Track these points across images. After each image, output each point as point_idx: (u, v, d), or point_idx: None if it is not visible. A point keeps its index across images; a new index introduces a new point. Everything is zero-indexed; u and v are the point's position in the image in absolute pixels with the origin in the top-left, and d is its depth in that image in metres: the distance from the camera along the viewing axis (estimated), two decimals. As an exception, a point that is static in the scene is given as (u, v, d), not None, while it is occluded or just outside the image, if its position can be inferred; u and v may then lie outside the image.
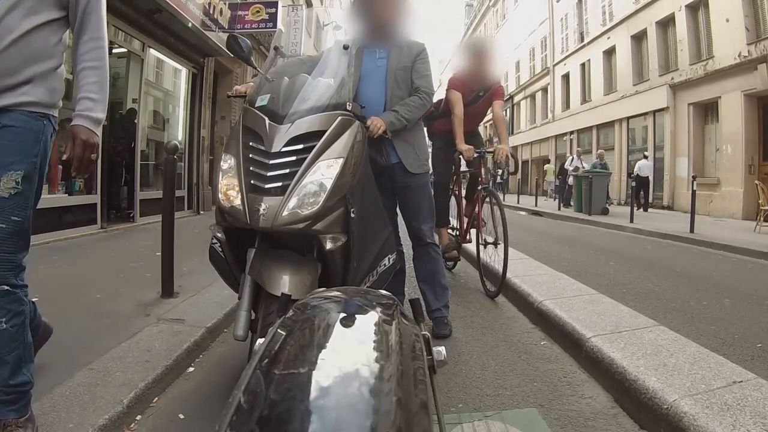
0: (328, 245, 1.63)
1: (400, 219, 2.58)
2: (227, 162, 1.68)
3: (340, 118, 1.74)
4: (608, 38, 16.20)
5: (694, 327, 2.69)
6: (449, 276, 3.68)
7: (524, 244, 5.58)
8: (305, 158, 1.62)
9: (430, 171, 2.99)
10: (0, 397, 1.30)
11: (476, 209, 3.45)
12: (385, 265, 2.02)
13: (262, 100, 1.75)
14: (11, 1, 1.25)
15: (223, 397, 0.89)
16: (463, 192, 3.82)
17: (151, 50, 6.89)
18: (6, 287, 1.28)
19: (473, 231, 3.75)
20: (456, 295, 3.30)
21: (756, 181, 8.32)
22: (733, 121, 10.40)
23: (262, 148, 1.65)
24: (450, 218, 3.83)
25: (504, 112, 3.73)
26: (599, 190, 10.57)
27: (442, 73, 60.86)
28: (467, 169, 3.65)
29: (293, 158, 1.63)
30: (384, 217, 2.13)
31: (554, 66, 20.85)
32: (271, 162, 1.62)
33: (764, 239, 6.41)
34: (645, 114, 13.96)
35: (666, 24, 13.30)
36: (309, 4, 15.06)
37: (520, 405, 1.80)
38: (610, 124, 16.05)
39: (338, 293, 0.87)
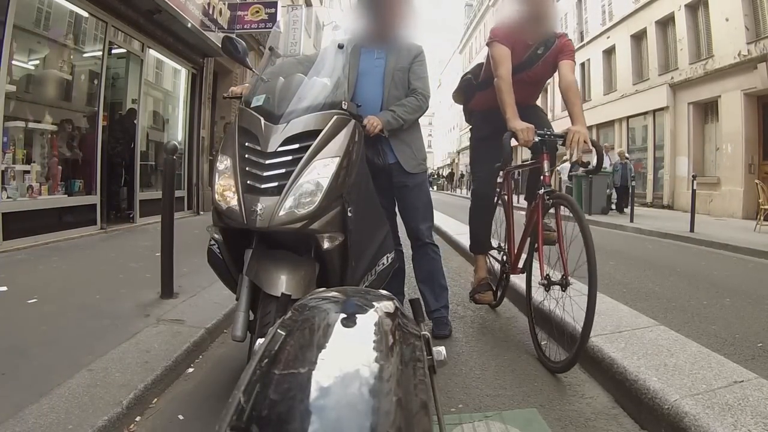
0: (326, 245, 1.62)
1: (399, 219, 2.58)
2: (223, 163, 1.68)
3: (335, 117, 1.74)
4: (608, 38, 16.21)
5: (695, 327, 2.68)
6: (449, 277, 3.58)
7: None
8: (301, 158, 1.62)
9: (429, 171, 2.93)
10: None
11: (536, 223, 2.23)
12: (383, 264, 2.02)
13: (258, 101, 1.75)
14: None
15: (223, 397, 0.89)
16: (517, 197, 3.06)
17: (151, 50, 6.89)
18: None
19: (526, 256, 2.52)
20: (456, 295, 3.30)
21: (756, 180, 8.33)
22: (733, 121, 10.40)
23: (258, 148, 1.64)
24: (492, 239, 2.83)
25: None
26: (599, 189, 10.55)
27: (441, 73, 61.02)
28: (526, 162, 2.57)
29: (289, 158, 1.62)
30: (381, 215, 2.13)
31: (554, 65, 20.83)
32: (267, 162, 1.62)
33: (764, 238, 6.40)
34: (645, 113, 13.96)
35: (666, 23, 13.30)
36: (308, 4, 15.06)
37: (521, 405, 1.79)
38: (609, 124, 16.05)
39: (338, 293, 0.87)
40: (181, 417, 1.70)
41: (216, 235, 1.69)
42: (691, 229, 7.08)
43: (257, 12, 8.40)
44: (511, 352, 2.33)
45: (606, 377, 1.92)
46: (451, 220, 7.88)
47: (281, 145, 1.63)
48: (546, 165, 2.20)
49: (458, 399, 1.83)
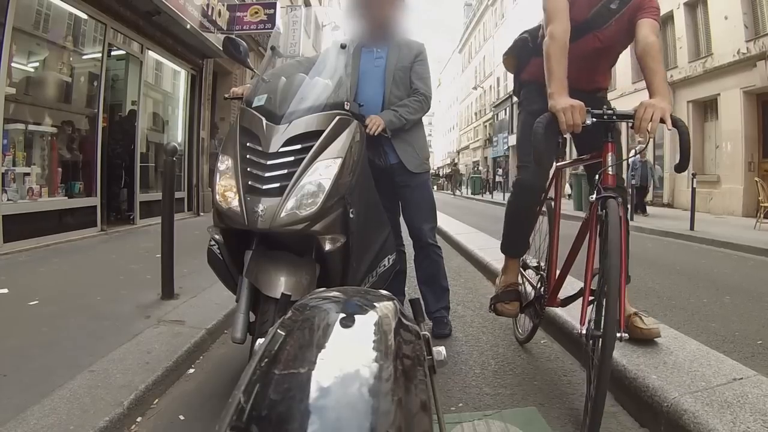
0: (328, 246, 1.61)
1: (401, 219, 2.58)
2: (224, 163, 1.67)
3: (338, 117, 1.73)
4: (607, 36, 16.18)
5: (695, 324, 2.69)
6: (450, 277, 3.55)
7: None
8: (303, 158, 1.61)
9: (431, 170, 2.74)
10: None
11: (590, 238, 1.67)
12: (384, 265, 2.01)
13: (259, 100, 1.74)
14: None
15: (224, 397, 0.88)
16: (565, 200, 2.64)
17: (150, 52, 6.89)
18: None
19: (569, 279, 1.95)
20: (456, 294, 3.30)
21: (756, 178, 8.33)
22: (733, 119, 10.40)
23: (260, 148, 1.64)
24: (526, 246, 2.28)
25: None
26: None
27: (441, 72, 60.99)
28: (582, 158, 1.90)
29: (291, 158, 1.62)
30: (383, 217, 2.12)
31: (553, 65, 20.79)
32: (269, 162, 1.61)
33: (764, 236, 6.41)
34: (644, 112, 13.92)
35: (664, 22, 13.26)
36: (307, 3, 15.06)
37: (521, 404, 1.80)
38: (609, 123, 16.03)
39: (338, 293, 0.87)
40: (182, 417, 1.70)
41: (216, 236, 1.68)
42: (691, 228, 7.08)
43: (256, 13, 8.40)
44: (510, 351, 2.34)
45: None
46: (451, 220, 7.89)
47: (283, 146, 1.62)
48: (610, 159, 1.59)
49: (458, 398, 1.83)
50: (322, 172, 1.61)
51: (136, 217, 6.44)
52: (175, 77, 8.19)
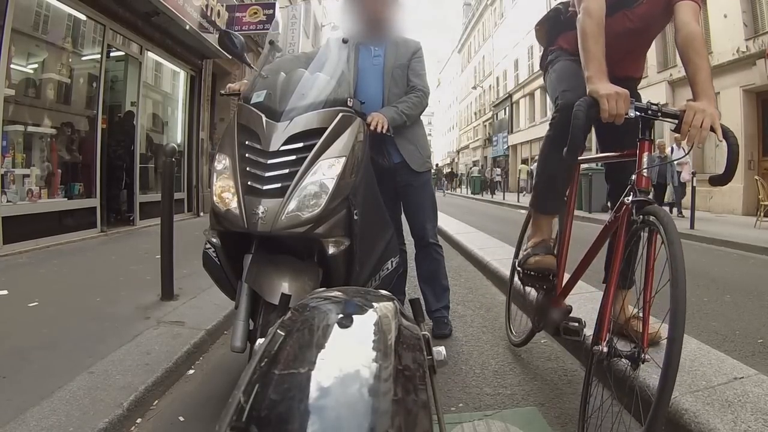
0: (331, 250, 1.54)
1: (403, 217, 2.57)
2: (222, 162, 1.60)
3: (341, 115, 1.66)
4: (606, 36, 16.19)
5: (695, 323, 2.68)
6: (450, 277, 3.50)
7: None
8: (305, 157, 1.54)
9: (433, 168, 2.71)
10: None
11: (618, 243, 1.47)
12: (388, 268, 1.95)
13: (258, 97, 1.67)
14: None
15: (223, 398, 0.88)
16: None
17: (149, 53, 6.89)
18: None
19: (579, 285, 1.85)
20: (456, 294, 3.30)
21: (756, 177, 8.34)
22: (732, 117, 10.39)
23: (259, 147, 1.57)
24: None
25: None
26: (600, 187, 10.55)
27: (440, 72, 61.00)
28: (609, 155, 1.78)
29: (292, 157, 1.55)
30: (386, 218, 2.08)
31: (553, 64, 20.81)
32: (269, 162, 1.54)
33: (765, 234, 6.40)
34: (644, 111, 13.93)
35: (664, 21, 13.28)
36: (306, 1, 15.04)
37: (521, 404, 1.79)
38: (609, 122, 16.03)
39: (338, 293, 0.87)
40: (181, 418, 1.70)
41: (213, 239, 1.60)
42: (692, 226, 7.08)
43: (255, 13, 8.41)
44: (510, 351, 2.34)
45: (605, 375, 1.91)
46: (451, 220, 7.89)
47: (284, 144, 1.55)
48: (645, 159, 1.45)
49: (458, 398, 1.83)
50: (325, 171, 1.54)
51: (136, 218, 6.44)
52: (175, 78, 8.19)
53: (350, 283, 1.64)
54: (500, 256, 4.09)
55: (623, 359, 1.42)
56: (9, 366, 1.85)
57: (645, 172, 1.45)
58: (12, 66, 4.40)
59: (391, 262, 1.98)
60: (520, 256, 1.98)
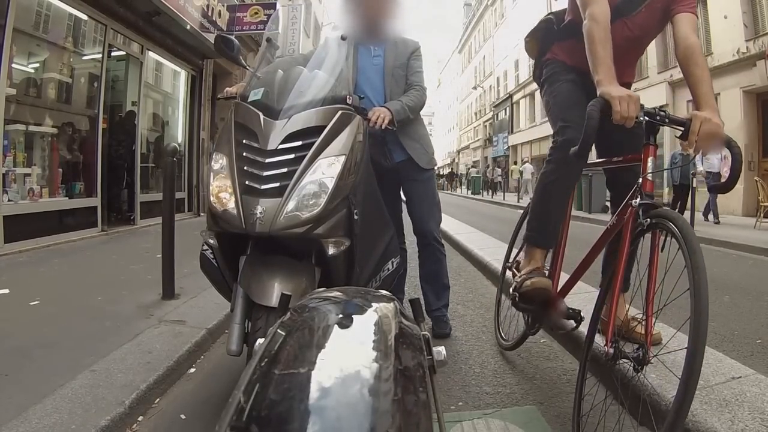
0: (331, 250, 1.51)
1: (405, 216, 2.57)
2: (219, 162, 1.56)
3: (340, 112, 1.63)
4: (607, 36, 16.18)
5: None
6: (450, 277, 3.47)
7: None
8: (304, 156, 1.51)
9: (436, 165, 2.65)
10: None
11: (623, 246, 1.46)
12: (388, 269, 1.93)
13: (256, 94, 1.64)
14: None
15: (224, 397, 0.89)
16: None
17: (150, 53, 6.90)
18: None
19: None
20: (456, 294, 3.31)
21: (756, 178, 8.34)
22: (733, 118, 10.39)
23: (257, 145, 1.53)
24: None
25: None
26: (600, 187, 10.55)
27: (441, 72, 60.97)
28: (615, 160, 1.73)
29: (291, 156, 1.51)
30: (387, 217, 2.06)
31: (553, 64, 20.80)
32: (267, 161, 1.50)
33: (764, 235, 6.41)
34: (644, 111, 13.92)
35: (664, 21, 13.28)
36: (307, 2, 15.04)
37: (520, 403, 1.80)
38: (609, 122, 16.02)
39: (338, 293, 0.87)
40: (183, 417, 1.71)
41: (210, 240, 1.57)
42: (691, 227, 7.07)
43: (256, 13, 8.41)
44: (510, 351, 2.34)
45: (604, 374, 1.92)
46: (451, 220, 7.89)
47: (282, 143, 1.51)
48: (650, 164, 1.46)
49: (458, 397, 1.84)
50: (325, 170, 1.51)
51: (137, 217, 6.45)
52: (175, 78, 8.19)
53: (350, 284, 1.61)
54: (500, 256, 4.07)
55: (625, 360, 1.40)
56: (11, 364, 1.86)
57: (650, 177, 1.46)
58: (13, 65, 4.41)
59: (392, 262, 1.96)
60: (515, 283, 1.94)
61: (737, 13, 10.17)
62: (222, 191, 1.52)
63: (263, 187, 1.49)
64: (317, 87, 1.67)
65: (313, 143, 1.54)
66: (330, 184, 1.50)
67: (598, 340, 2.04)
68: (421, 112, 2.43)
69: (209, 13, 7.43)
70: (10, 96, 4.40)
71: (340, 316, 0.72)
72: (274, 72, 1.73)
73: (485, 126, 34.20)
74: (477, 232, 6.22)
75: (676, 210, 7.50)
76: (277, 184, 1.49)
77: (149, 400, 1.76)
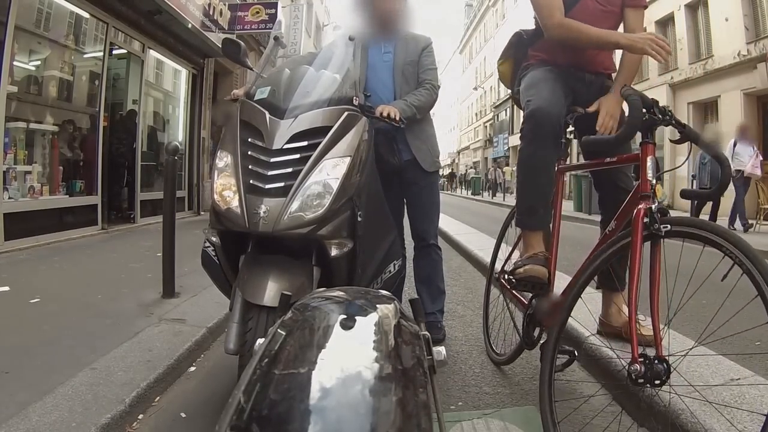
0: (334, 252, 1.50)
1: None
2: (223, 160, 1.56)
3: (346, 113, 1.62)
4: (608, 37, 16.20)
5: (693, 325, 2.69)
6: (450, 277, 3.47)
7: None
8: (309, 156, 1.51)
9: (440, 169, 2.63)
10: None
11: (634, 250, 1.37)
12: (390, 271, 1.92)
13: (262, 93, 1.63)
14: None
15: (224, 396, 0.89)
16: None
17: (151, 51, 6.90)
18: None
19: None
20: (456, 294, 3.31)
21: (756, 180, 8.32)
22: (733, 120, 10.38)
23: (262, 144, 1.53)
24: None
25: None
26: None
27: (441, 73, 60.96)
28: (609, 161, 1.66)
29: (296, 156, 1.51)
30: (390, 220, 2.05)
31: (554, 65, 20.82)
32: (272, 160, 1.50)
33: (764, 238, 6.41)
34: (645, 113, 13.94)
35: (665, 23, 13.28)
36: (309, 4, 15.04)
37: (519, 403, 1.81)
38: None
39: (339, 293, 0.88)
40: (183, 415, 1.71)
41: (213, 238, 1.56)
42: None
43: (257, 12, 8.41)
44: (510, 351, 2.35)
45: (604, 375, 1.93)
46: (451, 220, 7.89)
47: (288, 142, 1.51)
48: (649, 163, 1.40)
49: (457, 397, 1.84)
50: (330, 171, 1.50)
51: (137, 215, 6.45)
52: (176, 76, 8.19)
53: (352, 285, 1.61)
54: (500, 257, 4.09)
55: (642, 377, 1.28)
56: (11, 362, 1.86)
57: (651, 177, 1.41)
58: (15, 63, 4.41)
59: (394, 264, 1.95)
60: (510, 266, 1.89)
61: (738, 16, 10.18)
62: (226, 189, 1.51)
63: (267, 186, 1.49)
64: (324, 87, 1.66)
65: (318, 143, 1.53)
66: (335, 185, 1.50)
67: (599, 341, 2.05)
68: None
69: (211, 12, 7.43)
70: (12, 93, 4.41)
71: (341, 316, 0.72)
72: (281, 71, 1.73)
73: (485, 127, 34.19)
74: (477, 233, 6.22)
75: (710, 217, 7.08)
76: (282, 184, 1.49)
77: (149, 399, 1.76)
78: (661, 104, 1.50)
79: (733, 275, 1.27)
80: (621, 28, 1.85)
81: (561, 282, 1.74)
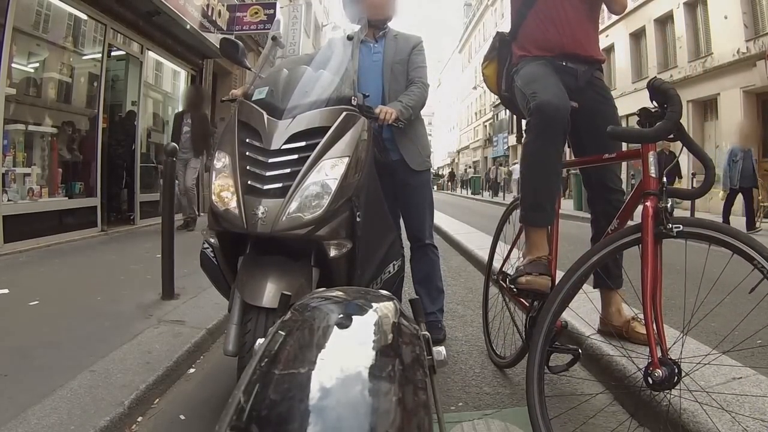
0: (333, 252, 1.49)
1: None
2: (221, 161, 1.56)
3: (345, 113, 1.62)
4: (606, 36, 16.18)
5: (694, 323, 2.68)
6: (450, 277, 3.46)
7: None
8: (307, 157, 1.50)
9: (432, 168, 2.63)
10: None
11: (645, 249, 1.40)
12: (389, 272, 1.92)
13: (260, 93, 1.63)
14: None
15: (224, 397, 0.88)
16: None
17: (150, 52, 6.90)
18: None
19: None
20: (456, 294, 3.31)
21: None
22: (733, 118, 10.41)
23: (260, 145, 1.53)
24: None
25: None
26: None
27: (441, 72, 60.97)
28: (609, 157, 1.65)
29: (294, 156, 1.50)
30: (389, 220, 2.04)
31: (553, 64, 20.84)
32: (270, 161, 1.49)
33: (764, 236, 6.41)
34: (644, 112, 13.96)
35: (664, 21, 13.30)
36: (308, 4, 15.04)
37: (520, 403, 1.80)
38: (609, 122, 16.05)
39: (338, 293, 0.87)
40: (182, 417, 1.71)
41: (212, 239, 1.56)
42: (691, 227, 7.02)
43: (256, 13, 8.41)
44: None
45: (604, 374, 1.92)
46: (451, 220, 7.89)
47: (286, 143, 1.50)
48: (651, 159, 1.36)
49: (457, 397, 1.84)
50: (328, 171, 1.50)
51: (137, 217, 6.45)
52: (175, 78, 8.19)
53: (351, 285, 1.60)
54: (500, 257, 4.09)
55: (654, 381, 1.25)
56: (10, 364, 1.85)
57: (653, 173, 1.36)
58: (13, 65, 4.40)
59: (393, 265, 1.94)
60: (512, 270, 1.84)
61: (737, 14, 10.19)
62: (224, 190, 1.51)
63: (266, 187, 1.48)
64: (322, 87, 1.66)
65: (316, 144, 1.53)
66: (333, 185, 1.49)
67: (598, 341, 2.05)
68: (421, 112, 2.38)
69: (209, 13, 7.42)
70: (10, 95, 4.40)
71: (341, 315, 0.72)
72: (279, 71, 1.73)
73: (485, 126, 34.21)
74: (477, 232, 6.22)
75: (747, 222, 6.75)
76: (280, 185, 1.48)
77: (148, 401, 1.75)
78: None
79: (752, 279, 1.21)
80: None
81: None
